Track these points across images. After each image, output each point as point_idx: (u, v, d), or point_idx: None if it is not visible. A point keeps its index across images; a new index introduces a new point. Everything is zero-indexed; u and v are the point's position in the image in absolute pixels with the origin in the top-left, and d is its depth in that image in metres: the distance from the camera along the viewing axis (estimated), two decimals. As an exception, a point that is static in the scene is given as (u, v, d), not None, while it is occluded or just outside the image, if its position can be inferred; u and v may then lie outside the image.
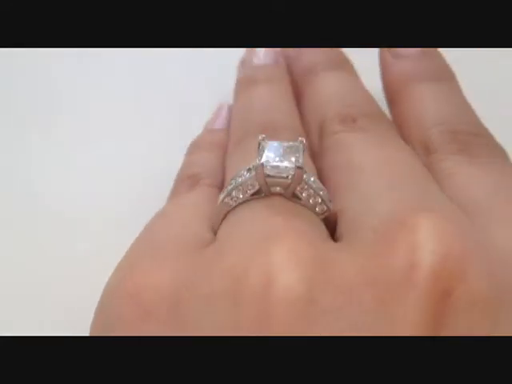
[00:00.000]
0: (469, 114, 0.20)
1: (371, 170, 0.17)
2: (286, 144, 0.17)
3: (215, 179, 0.21)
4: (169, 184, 0.22)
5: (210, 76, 0.26)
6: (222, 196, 0.17)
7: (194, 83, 0.27)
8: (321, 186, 0.17)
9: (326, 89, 0.21)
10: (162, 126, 0.26)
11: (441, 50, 0.22)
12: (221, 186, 0.20)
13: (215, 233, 0.17)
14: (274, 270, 0.14)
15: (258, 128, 0.20)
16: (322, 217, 0.17)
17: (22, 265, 0.23)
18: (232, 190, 0.17)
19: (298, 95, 0.22)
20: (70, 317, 0.22)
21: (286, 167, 0.16)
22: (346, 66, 0.23)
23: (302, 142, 0.17)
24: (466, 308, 0.14)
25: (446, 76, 0.21)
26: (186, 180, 0.21)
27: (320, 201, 0.17)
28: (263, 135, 0.17)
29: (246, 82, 0.23)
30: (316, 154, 0.20)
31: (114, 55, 0.26)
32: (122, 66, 0.27)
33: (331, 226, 0.17)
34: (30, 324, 0.22)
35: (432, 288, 0.14)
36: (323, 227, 0.17)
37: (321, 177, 0.19)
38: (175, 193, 0.21)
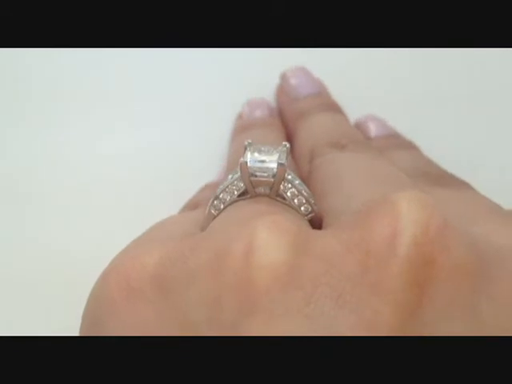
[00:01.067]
0: (436, 165, 0.23)
1: (355, 175, 0.18)
2: (270, 146, 0.17)
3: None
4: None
5: (209, 76, 0.27)
6: (210, 200, 0.18)
7: (193, 83, 0.27)
8: (305, 187, 0.17)
9: (318, 124, 0.23)
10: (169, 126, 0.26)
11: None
12: None
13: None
14: (255, 240, 0.14)
15: None
16: (307, 218, 0.17)
17: (23, 265, 0.23)
18: (220, 193, 0.17)
19: (290, 136, 0.24)
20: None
21: (269, 166, 0.17)
22: (335, 107, 0.24)
23: (285, 145, 0.17)
24: (448, 275, 0.14)
25: (411, 146, 0.24)
26: (191, 206, 0.23)
27: (304, 201, 0.17)
28: (249, 140, 0.17)
29: (241, 128, 0.25)
30: (305, 178, 0.20)
31: (115, 55, 0.26)
32: (125, 66, 0.27)
33: (316, 228, 0.17)
34: (30, 324, 0.22)
35: (414, 256, 0.14)
36: (307, 223, 0.17)
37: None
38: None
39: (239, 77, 0.25)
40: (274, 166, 0.16)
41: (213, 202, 0.17)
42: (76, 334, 0.17)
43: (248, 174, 0.17)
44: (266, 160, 0.17)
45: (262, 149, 0.17)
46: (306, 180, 0.20)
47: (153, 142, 0.25)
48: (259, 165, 0.17)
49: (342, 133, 0.22)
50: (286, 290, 0.14)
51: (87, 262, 0.23)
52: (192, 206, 0.23)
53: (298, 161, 0.22)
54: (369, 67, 0.23)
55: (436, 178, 0.22)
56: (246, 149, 0.17)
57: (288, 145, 0.17)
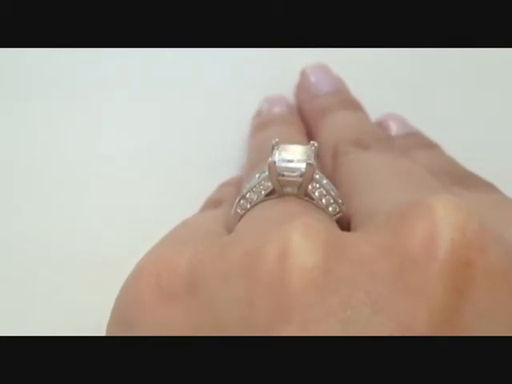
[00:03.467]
0: (459, 165, 0.23)
1: (384, 176, 0.18)
2: (298, 146, 0.17)
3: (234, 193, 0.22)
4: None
5: (208, 76, 0.27)
6: (237, 199, 0.17)
7: (193, 83, 0.27)
8: (333, 187, 0.17)
9: (340, 121, 0.23)
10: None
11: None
12: None
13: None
14: (289, 244, 0.14)
15: None
16: (335, 218, 0.17)
17: (22, 263, 0.23)
18: (247, 192, 0.17)
19: (310, 133, 0.24)
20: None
21: (298, 166, 0.16)
22: (356, 105, 0.24)
23: (313, 144, 0.17)
24: (487, 279, 0.14)
25: (434, 146, 0.24)
26: (211, 204, 0.23)
27: (332, 201, 0.17)
28: (277, 139, 0.17)
29: (260, 125, 0.24)
30: (329, 175, 0.20)
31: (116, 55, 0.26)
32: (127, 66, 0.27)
33: (344, 228, 0.17)
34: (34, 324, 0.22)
35: (453, 259, 0.14)
36: (336, 224, 0.17)
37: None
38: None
39: (241, 77, 0.25)
40: (303, 166, 0.16)
41: (239, 201, 0.17)
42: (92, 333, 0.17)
43: (276, 174, 0.16)
44: (295, 159, 0.17)
45: (290, 148, 0.17)
46: (329, 178, 0.20)
47: (154, 141, 0.25)
48: (287, 164, 0.16)
49: (365, 130, 0.22)
50: (322, 295, 0.13)
51: (89, 260, 0.23)
52: (213, 204, 0.23)
53: (321, 157, 0.21)
54: (369, 67, 0.23)
55: (460, 178, 0.21)
56: (273, 148, 0.17)
57: (316, 144, 0.17)
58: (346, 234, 0.15)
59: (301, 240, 0.14)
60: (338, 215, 0.17)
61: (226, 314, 0.14)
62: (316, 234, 0.14)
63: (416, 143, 0.24)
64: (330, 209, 0.17)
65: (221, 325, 0.14)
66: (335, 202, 0.17)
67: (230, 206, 0.20)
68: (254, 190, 0.17)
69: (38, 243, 0.23)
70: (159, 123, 0.26)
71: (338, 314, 0.13)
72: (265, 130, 0.24)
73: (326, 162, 0.21)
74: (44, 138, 0.25)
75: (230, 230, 0.18)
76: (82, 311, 0.22)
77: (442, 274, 0.13)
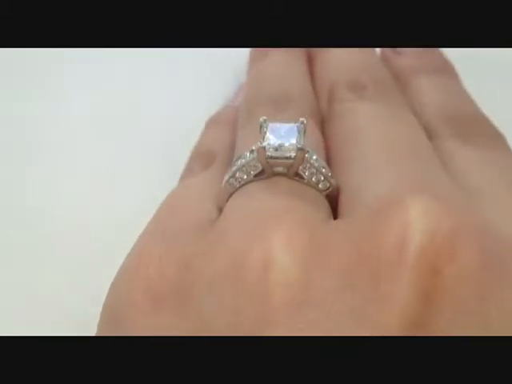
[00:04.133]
0: (467, 103, 0.21)
1: (373, 143, 0.18)
2: (287, 125, 0.17)
3: (230, 157, 0.20)
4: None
5: (208, 76, 0.27)
6: (226, 177, 0.17)
7: (192, 83, 0.27)
8: (323, 163, 0.17)
9: (339, 56, 0.22)
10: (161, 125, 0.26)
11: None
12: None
13: (221, 211, 0.17)
14: (272, 257, 0.14)
15: (269, 101, 0.20)
16: (325, 193, 0.17)
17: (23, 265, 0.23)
18: (236, 171, 0.17)
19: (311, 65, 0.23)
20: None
21: (288, 148, 0.16)
22: None
23: (303, 122, 0.17)
24: (455, 285, 0.14)
25: (445, 70, 0.22)
26: (201, 157, 0.21)
27: (322, 178, 0.17)
28: (264, 117, 0.17)
29: (260, 54, 0.23)
30: (323, 120, 0.20)
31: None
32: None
33: (334, 200, 0.17)
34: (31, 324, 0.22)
35: (421, 266, 0.14)
36: (326, 204, 0.17)
37: (327, 145, 0.19)
38: (188, 170, 0.21)
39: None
40: (293, 148, 0.16)
41: (228, 179, 0.17)
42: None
43: (265, 157, 0.16)
44: (285, 143, 0.16)
45: (280, 129, 0.17)
46: (324, 123, 0.20)
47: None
48: (277, 146, 0.16)
49: (364, 68, 0.21)
50: (302, 309, 0.14)
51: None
52: (201, 159, 0.21)
53: (318, 95, 0.21)
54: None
55: (464, 125, 0.20)
56: (261, 126, 0.17)
57: (305, 121, 0.17)
58: (329, 230, 0.15)
59: (283, 254, 0.14)
60: (329, 190, 0.17)
61: (214, 321, 0.15)
62: (299, 244, 0.15)
63: (427, 65, 0.22)
64: (321, 185, 0.17)
65: (210, 331, 0.15)
66: (326, 178, 0.17)
67: (220, 168, 0.20)
68: (244, 169, 0.17)
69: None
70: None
71: (318, 325, 0.14)
72: (264, 59, 0.23)
73: (321, 104, 0.21)
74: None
75: (219, 205, 0.18)
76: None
77: (411, 281, 0.14)
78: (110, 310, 0.17)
